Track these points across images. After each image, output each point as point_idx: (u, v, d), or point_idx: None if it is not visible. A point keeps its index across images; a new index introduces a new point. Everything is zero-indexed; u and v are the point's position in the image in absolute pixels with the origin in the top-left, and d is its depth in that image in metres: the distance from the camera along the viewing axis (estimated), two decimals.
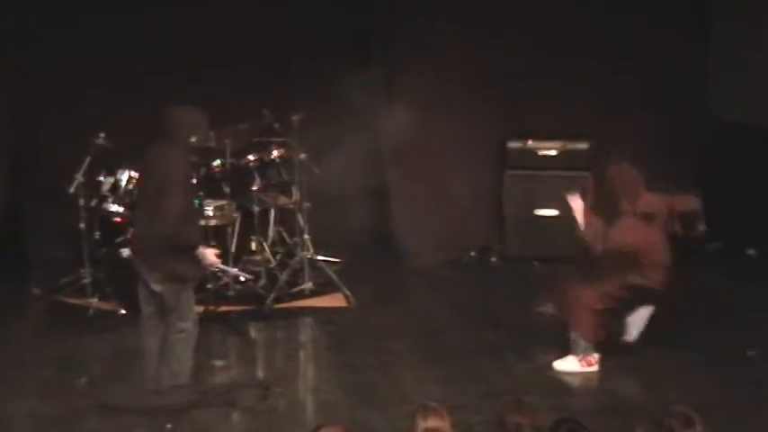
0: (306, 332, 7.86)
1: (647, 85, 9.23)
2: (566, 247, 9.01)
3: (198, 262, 6.26)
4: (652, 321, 7.08)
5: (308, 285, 8.32)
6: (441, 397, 5.99)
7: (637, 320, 7.01)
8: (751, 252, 9.00)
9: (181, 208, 6.11)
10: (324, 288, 8.33)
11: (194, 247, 6.21)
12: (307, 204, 8.39)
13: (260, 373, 6.90)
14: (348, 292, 8.18)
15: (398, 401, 6.33)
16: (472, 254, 9.36)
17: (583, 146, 9.13)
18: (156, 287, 6.23)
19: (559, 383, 6.69)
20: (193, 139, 6.30)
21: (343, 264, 8.77)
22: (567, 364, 6.88)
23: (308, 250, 8.34)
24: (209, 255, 6.27)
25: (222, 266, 6.66)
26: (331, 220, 8.76)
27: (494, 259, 9.31)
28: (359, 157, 8.64)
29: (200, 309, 6.67)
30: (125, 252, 7.51)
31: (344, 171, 8.47)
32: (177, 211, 6.07)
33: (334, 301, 8.20)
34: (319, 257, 8.42)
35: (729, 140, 9.08)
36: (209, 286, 7.81)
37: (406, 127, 8.42)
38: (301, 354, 7.51)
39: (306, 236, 8.36)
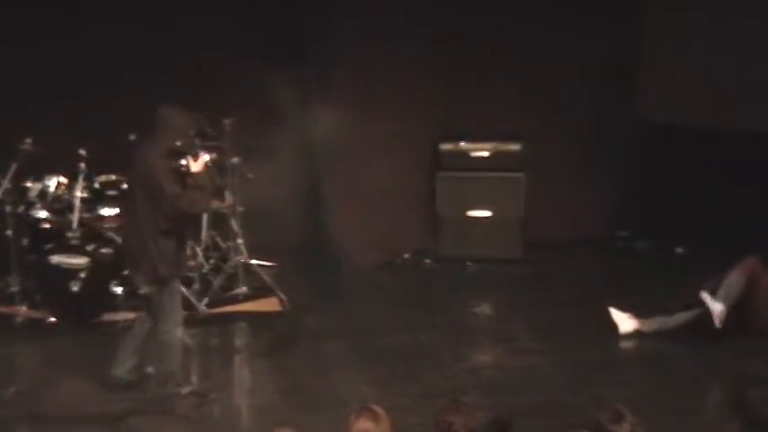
0: (241, 337, 7.79)
1: (577, 86, 9.34)
2: (498, 248, 9.13)
3: (181, 261, 6.26)
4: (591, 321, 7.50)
5: (243, 290, 8.26)
6: (378, 399, 5.97)
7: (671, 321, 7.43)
8: (679, 250, 9.16)
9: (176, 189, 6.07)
10: (258, 292, 8.29)
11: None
12: (240, 208, 8.33)
13: (195, 380, 6.82)
14: (283, 296, 8.13)
15: (335, 405, 6.32)
16: (406, 256, 9.38)
17: (515, 147, 9.20)
18: (143, 289, 6.24)
19: (496, 383, 6.73)
20: (178, 144, 6.21)
21: (277, 267, 8.72)
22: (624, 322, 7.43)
23: (242, 254, 8.28)
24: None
25: None
26: (265, 223, 8.69)
27: (428, 261, 9.33)
28: (292, 160, 8.59)
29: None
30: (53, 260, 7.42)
31: (278, 174, 8.41)
32: (175, 191, 6.03)
33: (269, 305, 8.15)
34: (253, 261, 8.37)
35: (657, 140, 9.23)
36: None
37: (340, 129, 8.39)
38: (236, 359, 7.45)
39: (240, 240, 8.30)
